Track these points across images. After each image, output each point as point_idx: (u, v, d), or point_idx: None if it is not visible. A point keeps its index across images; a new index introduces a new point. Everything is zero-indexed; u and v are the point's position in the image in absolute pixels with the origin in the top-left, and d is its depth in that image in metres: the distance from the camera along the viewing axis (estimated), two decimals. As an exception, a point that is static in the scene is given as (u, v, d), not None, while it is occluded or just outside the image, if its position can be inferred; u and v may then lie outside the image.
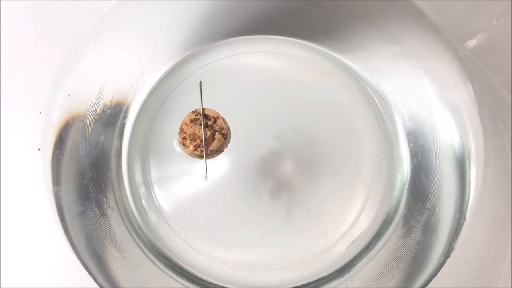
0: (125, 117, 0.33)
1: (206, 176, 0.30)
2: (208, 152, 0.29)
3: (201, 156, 0.30)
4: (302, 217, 0.31)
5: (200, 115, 0.29)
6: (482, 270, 0.25)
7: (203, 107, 0.30)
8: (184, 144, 0.30)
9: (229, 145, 0.32)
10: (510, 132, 0.26)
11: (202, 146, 0.29)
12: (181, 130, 0.30)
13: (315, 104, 0.34)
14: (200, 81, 0.30)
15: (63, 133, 0.28)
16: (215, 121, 0.30)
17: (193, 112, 0.30)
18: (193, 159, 0.32)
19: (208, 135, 0.29)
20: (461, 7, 0.28)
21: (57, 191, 0.27)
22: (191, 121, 0.30)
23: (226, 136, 0.30)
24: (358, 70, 0.34)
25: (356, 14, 0.32)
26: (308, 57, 0.35)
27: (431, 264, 0.27)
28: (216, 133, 0.29)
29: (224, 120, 0.30)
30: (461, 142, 0.29)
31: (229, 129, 0.30)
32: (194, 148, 0.29)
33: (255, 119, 0.33)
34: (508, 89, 0.26)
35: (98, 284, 0.25)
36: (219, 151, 0.30)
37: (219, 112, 0.30)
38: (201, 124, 0.29)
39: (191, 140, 0.29)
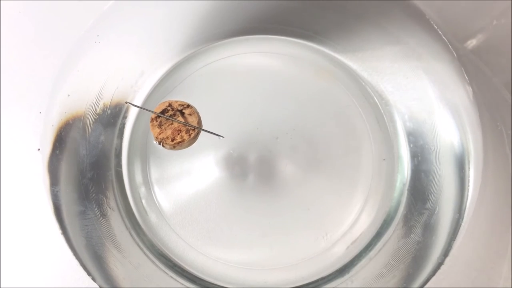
0: (125, 117, 0.33)
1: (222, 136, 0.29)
2: (197, 126, 0.28)
3: (196, 134, 0.28)
4: (302, 217, 0.31)
5: (159, 117, 0.28)
6: (481, 270, 0.25)
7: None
8: (179, 144, 0.29)
9: (229, 145, 0.32)
10: (510, 132, 0.26)
11: (189, 130, 0.28)
12: (161, 140, 0.28)
13: (315, 104, 0.34)
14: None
15: (63, 133, 0.28)
16: (172, 108, 0.28)
17: (151, 121, 0.28)
18: (193, 159, 0.32)
19: (183, 119, 0.28)
20: (461, 7, 0.28)
21: (57, 191, 0.27)
22: (160, 126, 0.28)
23: (190, 106, 0.29)
24: (358, 70, 0.34)
25: (356, 14, 0.32)
26: (308, 57, 0.35)
27: (431, 264, 0.27)
28: (184, 110, 0.28)
29: (176, 101, 0.29)
30: (461, 142, 0.29)
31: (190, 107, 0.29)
32: (188, 135, 0.28)
33: (255, 119, 0.33)
34: (508, 89, 0.26)
35: (98, 284, 0.25)
36: (199, 121, 0.29)
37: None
38: (167, 120, 0.28)
39: (177, 135, 0.28)
